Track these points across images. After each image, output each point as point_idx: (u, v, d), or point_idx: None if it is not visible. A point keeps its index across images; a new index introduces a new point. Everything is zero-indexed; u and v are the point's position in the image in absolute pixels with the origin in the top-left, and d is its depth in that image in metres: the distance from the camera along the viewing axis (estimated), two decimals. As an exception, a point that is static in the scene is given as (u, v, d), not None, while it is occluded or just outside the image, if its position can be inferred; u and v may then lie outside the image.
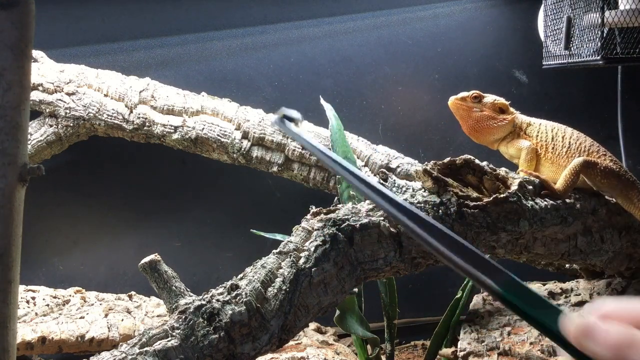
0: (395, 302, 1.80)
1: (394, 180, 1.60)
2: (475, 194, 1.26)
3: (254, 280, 1.04)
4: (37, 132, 1.88)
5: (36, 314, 1.77)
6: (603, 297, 1.62)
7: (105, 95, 1.89)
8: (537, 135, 1.53)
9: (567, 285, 1.73)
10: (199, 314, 0.99)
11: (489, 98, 1.59)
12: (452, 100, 1.60)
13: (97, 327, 1.75)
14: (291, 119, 0.68)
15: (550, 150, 1.49)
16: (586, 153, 1.46)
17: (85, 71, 1.91)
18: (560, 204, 1.36)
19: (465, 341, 1.66)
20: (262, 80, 2.10)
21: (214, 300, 1.01)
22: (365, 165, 1.88)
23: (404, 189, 1.38)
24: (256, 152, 1.88)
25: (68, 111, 1.87)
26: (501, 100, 1.60)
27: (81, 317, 1.78)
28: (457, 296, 1.78)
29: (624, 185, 1.45)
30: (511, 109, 1.60)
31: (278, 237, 1.72)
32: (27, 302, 1.80)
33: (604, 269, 1.58)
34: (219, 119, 1.89)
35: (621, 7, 1.57)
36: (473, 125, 1.58)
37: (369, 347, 1.79)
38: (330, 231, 1.10)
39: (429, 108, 2.15)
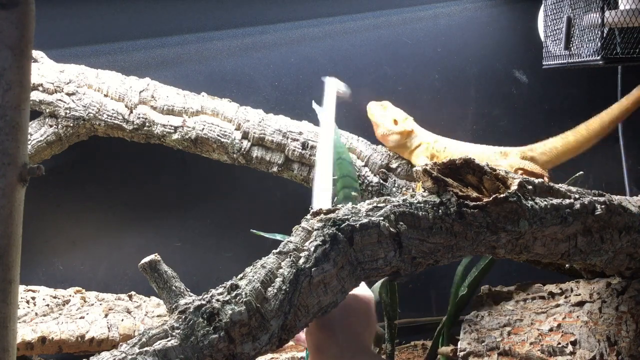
0: (395, 303, 1.80)
1: (394, 180, 1.60)
2: (475, 194, 1.26)
3: (253, 280, 1.03)
4: (37, 132, 1.88)
5: (36, 314, 1.77)
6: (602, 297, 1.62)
7: (105, 96, 1.89)
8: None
9: (567, 285, 1.72)
10: (198, 314, 0.99)
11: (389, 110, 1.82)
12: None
13: (97, 327, 1.75)
14: None
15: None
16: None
17: (85, 71, 1.91)
18: (560, 203, 1.36)
19: (465, 341, 1.65)
20: (262, 80, 2.10)
21: (213, 300, 1.01)
22: (365, 165, 1.88)
23: (404, 189, 1.38)
24: (256, 152, 1.88)
25: (68, 111, 1.87)
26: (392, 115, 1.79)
27: (81, 317, 1.78)
28: (462, 293, 1.78)
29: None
30: (398, 126, 1.79)
31: (278, 237, 1.72)
32: (27, 302, 1.80)
33: (604, 269, 1.58)
34: (219, 119, 1.89)
35: (621, 7, 1.57)
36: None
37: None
38: (330, 231, 1.10)
39: (428, 108, 2.15)
